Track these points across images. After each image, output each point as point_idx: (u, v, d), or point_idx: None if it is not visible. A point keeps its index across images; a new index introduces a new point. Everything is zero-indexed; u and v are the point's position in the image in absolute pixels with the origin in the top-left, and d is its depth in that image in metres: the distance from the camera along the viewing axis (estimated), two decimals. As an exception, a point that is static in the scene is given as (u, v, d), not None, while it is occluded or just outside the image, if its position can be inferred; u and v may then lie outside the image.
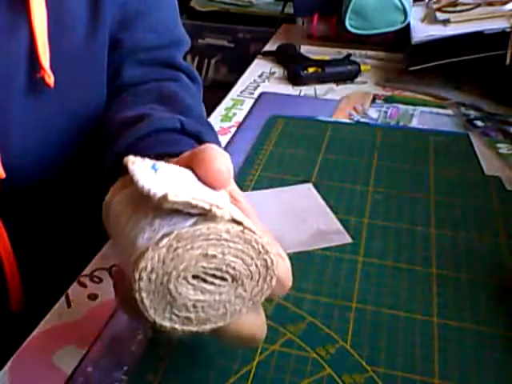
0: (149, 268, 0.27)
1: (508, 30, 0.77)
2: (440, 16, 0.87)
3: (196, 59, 1.79)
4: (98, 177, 0.61)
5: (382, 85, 0.85)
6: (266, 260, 0.30)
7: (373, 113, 0.75)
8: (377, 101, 0.79)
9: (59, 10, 0.48)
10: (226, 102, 0.79)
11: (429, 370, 0.37)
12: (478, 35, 0.79)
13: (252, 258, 0.29)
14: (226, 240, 0.29)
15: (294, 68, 0.86)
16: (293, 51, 0.95)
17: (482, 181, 0.58)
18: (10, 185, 0.49)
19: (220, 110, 0.76)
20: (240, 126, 0.71)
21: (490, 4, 0.85)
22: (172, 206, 0.28)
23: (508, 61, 0.74)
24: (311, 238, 0.49)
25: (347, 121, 0.72)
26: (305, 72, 0.84)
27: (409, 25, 0.90)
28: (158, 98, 0.53)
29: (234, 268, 0.29)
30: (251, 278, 0.30)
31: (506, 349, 0.38)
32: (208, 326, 0.30)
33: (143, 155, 0.33)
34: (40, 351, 0.38)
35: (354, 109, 0.76)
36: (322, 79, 0.85)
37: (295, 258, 0.46)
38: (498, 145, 0.65)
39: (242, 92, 0.83)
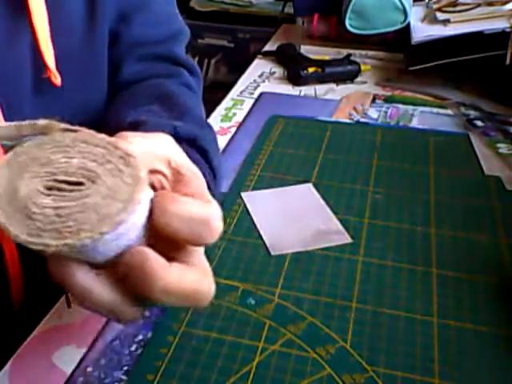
0: None
1: (508, 30, 0.77)
2: (440, 16, 0.87)
3: (196, 59, 1.79)
4: None
5: (382, 85, 0.85)
6: (121, 157, 0.29)
7: (373, 113, 0.75)
8: (377, 101, 0.79)
9: (57, 8, 0.48)
10: (226, 102, 0.79)
11: (429, 370, 0.37)
12: (477, 35, 0.79)
13: (103, 156, 0.29)
14: (66, 146, 0.29)
15: (294, 68, 0.86)
16: (293, 51, 0.95)
17: (482, 181, 0.58)
18: None
19: (220, 110, 0.76)
20: (240, 126, 0.71)
21: (490, 4, 0.85)
22: None
23: (508, 61, 0.74)
24: (311, 238, 0.49)
25: (347, 121, 0.72)
26: (305, 72, 0.84)
27: (409, 25, 0.90)
28: (158, 98, 0.53)
29: (86, 169, 0.29)
30: (112, 176, 0.29)
31: (506, 349, 0.38)
32: (84, 235, 0.26)
33: None
34: (40, 351, 0.38)
35: (354, 109, 0.76)
36: (322, 79, 0.85)
37: (295, 258, 0.47)
38: (498, 145, 0.65)
39: (241, 92, 0.83)
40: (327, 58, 0.91)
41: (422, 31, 0.86)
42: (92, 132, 0.31)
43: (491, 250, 0.48)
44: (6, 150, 0.30)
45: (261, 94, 0.81)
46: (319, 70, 0.85)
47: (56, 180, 0.28)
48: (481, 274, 0.45)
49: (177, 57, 0.62)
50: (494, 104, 0.76)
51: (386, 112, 0.75)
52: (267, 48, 1.02)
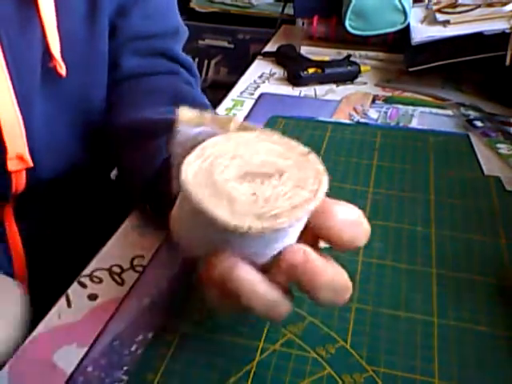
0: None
1: (508, 31, 0.77)
2: (440, 17, 0.87)
3: (196, 60, 1.79)
4: (103, 173, 0.62)
5: (382, 85, 0.85)
6: (301, 153, 0.33)
7: (373, 113, 0.75)
8: (377, 101, 0.79)
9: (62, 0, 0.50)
10: (226, 102, 0.79)
11: (429, 370, 0.37)
12: (477, 36, 0.79)
13: (284, 153, 0.32)
14: (249, 142, 0.33)
15: (294, 69, 0.86)
16: (293, 52, 0.95)
17: (482, 181, 0.58)
18: (31, 176, 0.51)
19: (220, 111, 0.76)
20: (240, 126, 0.71)
21: (490, 5, 0.85)
22: None
23: (508, 62, 0.74)
24: (311, 238, 0.49)
25: (347, 121, 0.72)
26: (305, 73, 0.84)
27: (408, 26, 0.90)
28: (174, 98, 0.54)
29: (272, 163, 0.31)
30: (297, 169, 0.31)
31: (506, 349, 0.38)
32: (282, 220, 0.28)
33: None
34: (40, 351, 0.38)
35: (354, 109, 0.76)
36: (321, 80, 0.85)
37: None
38: (498, 145, 0.66)
39: (242, 93, 0.83)
40: (327, 58, 0.91)
41: (422, 32, 0.86)
42: (267, 131, 0.35)
43: (491, 250, 0.48)
44: (173, 136, 0.34)
45: (261, 95, 0.81)
46: (319, 70, 0.85)
47: (247, 172, 0.31)
48: (481, 274, 0.45)
49: (174, 54, 0.62)
50: (493, 104, 0.76)
51: (385, 112, 0.75)
52: (267, 49, 1.02)
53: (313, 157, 0.33)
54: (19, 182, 0.52)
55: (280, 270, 0.30)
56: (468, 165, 0.61)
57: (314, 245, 0.32)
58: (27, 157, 0.50)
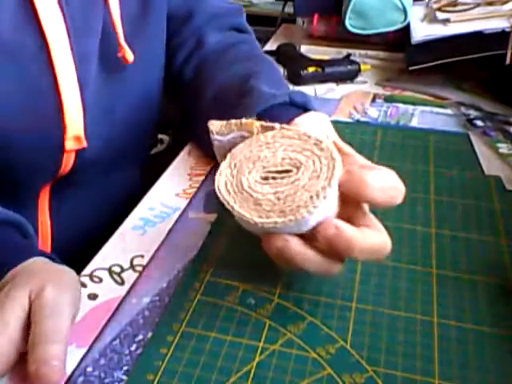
0: (223, 183, 0.37)
1: (508, 29, 0.77)
2: (440, 16, 0.87)
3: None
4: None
5: (382, 84, 0.85)
6: (315, 143, 0.36)
7: (373, 112, 0.75)
8: (377, 100, 0.79)
9: None
10: (226, 101, 0.79)
11: (429, 370, 0.37)
12: (477, 35, 0.79)
13: (300, 146, 0.37)
14: (268, 143, 0.38)
15: (294, 68, 0.86)
16: (293, 51, 0.95)
17: (482, 181, 0.58)
18: (79, 157, 0.54)
19: (220, 110, 0.76)
20: (240, 125, 0.71)
21: (490, 4, 0.85)
22: None
23: (508, 60, 0.74)
24: (311, 237, 0.49)
25: (347, 120, 0.72)
26: (305, 72, 0.84)
27: (409, 24, 0.89)
28: (257, 63, 0.61)
29: (290, 158, 0.36)
30: (312, 160, 0.36)
31: (506, 349, 0.38)
32: (302, 211, 0.34)
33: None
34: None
35: (354, 108, 0.76)
36: (322, 79, 0.85)
37: (295, 258, 0.46)
38: (498, 145, 0.65)
39: (241, 92, 0.82)
40: (327, 57, 0.91)
41: (422, 31, 0.86)
42: (286, 126, 0.39)
43: (491, 250, 0.48)
44: (216, 143, 0.41)
45: (261, 94, 0.80)
46: (319, 69, 0.85)
47: (269, 171, 0.36)
48: (481, 274, 0.45)
49: (245, 26, 0.71)
50: (494, 104, 0.76)
51: (386, 111, 0.75)
52: (267, 48, 1.02)
53: (326, 145, 0.36)
54: (68, 162, 0.53)
55: (319, 242, 0.35)
56: (468, 164, 0.61)
57: (356, 207, 0.38)
58: (83, 138, 0.52)
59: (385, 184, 0.37)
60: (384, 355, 0.38)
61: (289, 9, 1.22)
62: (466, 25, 0.82)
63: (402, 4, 0.89)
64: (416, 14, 0.91)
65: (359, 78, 0.87)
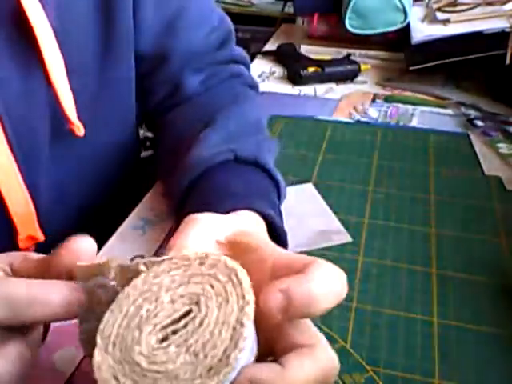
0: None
1: (507, 29, 0.77)
2: (440, 16, 0.87)
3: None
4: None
5: (382, 84, 0.85)
6: (201, 263, 0.28)
7: (373, 112, 0.75)
8: (377, 100, 0.79)
9: (71, 52, 0.46)
10: (226, 101, 0.79)
11: (429, 370, 0.37)
12: (477, 35, 0.79)
13: (185, 278, 0.28)
14: (151, 290, 0.28)
15: (294, 68, 0.86)
16: (293, 51, 0.95)
17: (482, 181, 0.58)
18: (43, 244, 0.48)
19: (220, 110, 0.76)
20: (240, 125, 0.71)
21: (490, 4, 0.85)
22: None
23: (508, 60, 0.74)
24: (311, 237, 0.49)
25: (347, 120, 0.72)
26: (305, 72, 0.84)
27: (409, 24, 0.90)
28: (209, 121, 0.51)
29: (181, 296, 0.27)
30: (211, 287, 0.27)
31: (506, 349, 0.38)
32: (222, 374, 0.25)
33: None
34: (40, 352, 0.38)
35: (354, 108, 0.76)
36: (321, 79, 0.85)
37: (295, 258, 0.46)
38: (498, 145, 0.65)
39: (241, 92, 0.82)
40: (327, 57, 0.91)
41: (422, 31, 0.86)
42: (151, 259, 0.30)
43: (491, 250, 0.48)
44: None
45: (261, 94, 0.80)
46: (319, 69, 0.85)
47: (163, 327, 0.26)
48: (481, 274, 0.45)
49: (235, 56, 0.61)
50: (494, 104, 0.76)
51: (386, 111, 0.75)
52: (267, 48, 1.02)
53: (216, 257, 0.28)
54: (28, 249, 0.48)
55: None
56: (468, 164, 0.61)
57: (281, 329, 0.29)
58: (39, 235, 0.47)
59: (331, 282, 0.30)
60: (384, 355, 0.38)
61: (289, 9, 1.22)
62: (465, 25, 0.82)
63: (402, 4, 0.89)
64: (416, 14, 0.91)
65: (359, 78, 0.87)
